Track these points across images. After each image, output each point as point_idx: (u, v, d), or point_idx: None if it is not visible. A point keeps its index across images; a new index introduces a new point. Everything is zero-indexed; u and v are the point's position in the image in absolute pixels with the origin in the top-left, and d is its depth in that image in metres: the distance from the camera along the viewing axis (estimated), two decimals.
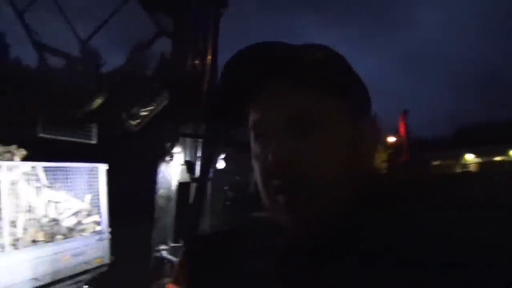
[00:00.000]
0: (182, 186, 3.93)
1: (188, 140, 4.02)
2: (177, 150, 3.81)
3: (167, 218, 3.93)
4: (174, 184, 3.89)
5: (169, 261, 3.81)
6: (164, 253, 3.82)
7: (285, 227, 0.63)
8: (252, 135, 0.67)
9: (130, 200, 14.90)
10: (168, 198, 3.87)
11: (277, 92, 0.63)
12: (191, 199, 3.72)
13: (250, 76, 0.65)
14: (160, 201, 3.92)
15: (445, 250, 0.53)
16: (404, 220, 0.61)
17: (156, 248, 3.83)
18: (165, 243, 3.85)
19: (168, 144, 3.73)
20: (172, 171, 3.85)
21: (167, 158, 3.75)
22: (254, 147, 0.67)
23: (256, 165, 0.66)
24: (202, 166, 3.61)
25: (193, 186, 3.68)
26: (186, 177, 3.97)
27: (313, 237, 0.62)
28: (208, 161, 3.11)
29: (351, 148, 0.63)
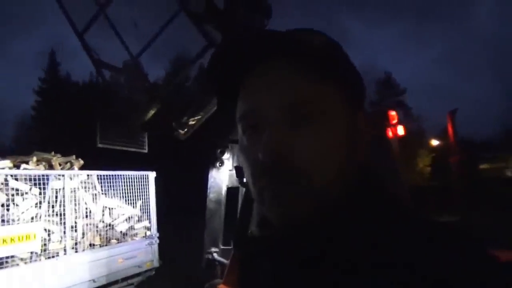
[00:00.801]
0: (231, 190, 4.07)
1: (235, 146, 4.16)
2: (226, 156, 3.97)
3: (217, 221, 4.07)
4: (224, 189, 4.03)
5: (220, 263, 3.94)
6: (215, 255, 3.95)
7: (275, 225, 0.58)
8: (240, 127, 0.62)
9: (181, 204, 15.41)
10: (218, 202, 4.02)
11: (272, 78, 0.58)
12: (240, 203, 3.84)
13: (242, 59, 0.60)
14: (210, 205, 4.08)
15: (436, 251, 0.49)
16: (395, 219, 0.55)
17: (208, 250, 3.97)
18: (216, 245, 3.99)
19: (218, 151, 3.89)
20: (222, 177, 4.00)
21: (217, 164, 3.90)
22: (242, 140, 0.61)
23: (244, 160, 0.61)
24: None
25: (242, 190, 3.80)
26: (234, 182, 4.11)
27: (302, 234, 0.56)
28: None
29: (349, 141, 0.59)
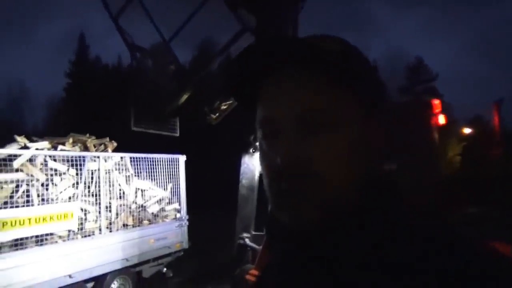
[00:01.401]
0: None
1: None
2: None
3: (249, 207, 4.08)
4: (256, 175, 4.02)
5: (252, 248, 3.96)
6: (247, 241, 3.98)
7: (291, 230, 0.59)
8: (259, 133, 0.63)
9: (211, 189, 15.68)
10: (250, 188, 4.02)
11: (288, 86, 0.58)
12: None
13: (258, 68, 0.61)
14: (242, 191, 4.09)
15: (440, 259, 0.49)
16: (413, 228, 0.55)
17: (240, 235, 4.00)
18: (247, 231, 4.01)
19: (252, 137, 3.87)
20: (255, 163, 3.99)
21: (251, 150, 3.89)
22: (262, 146, 0.63)
23: (263, 165, 0.62)
24: None
25: None
26: None
27: (316, 241, 0.58)
28: None
29: (363, 149, 0.59)
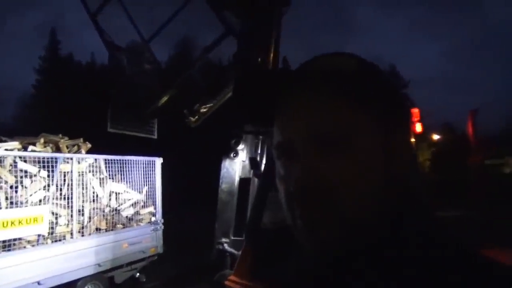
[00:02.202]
0: (244, 181, 4.02)
1: (250, 137, 4.10)
2: (240, 147, 3.91)
3: (229, 212, 4.04)
4: (236, 179, 3.98)
5: (231, 254, 3.91)
6: (226, 246, 3.93)
7: (307, 248, 0.58)
8: (275, 153, 0.62)
9: (189, 192, 15.45)
10: (230, 192, 3.98)
11: (305, 106, 0.57)
12: (252, 195, 3.80)
13: (274, 88, 0.60)
14: (222, 196, 4.04)
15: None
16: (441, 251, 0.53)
17: (218, 240, 3.95)
18: (227, 236, 3.96)
19: (233, 141, 3.83)
20: (235, 167, 3.95)
21: (232, 155, 3.85)
22: (278, 165, 0.61)
23: (280, 186, 0.60)
24: (266, 162, 3.68)
25: (255, 181, 3.76)
26: (247, 173, 4.06)
27: (337, 265, 0.57)
28: (272, 157, 3.18)
29: (386, 166, 0.56)
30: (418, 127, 3.64)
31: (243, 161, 4.19)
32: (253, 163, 3.75)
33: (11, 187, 4.75)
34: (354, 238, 0.55)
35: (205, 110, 4.95)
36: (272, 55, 3.96)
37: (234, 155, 3.96)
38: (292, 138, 0.57)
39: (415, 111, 3.36)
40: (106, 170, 6.16)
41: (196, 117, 4.91)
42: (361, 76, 0.58)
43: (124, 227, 6.27)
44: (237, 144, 3.91)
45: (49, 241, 5.06)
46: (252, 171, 3.95)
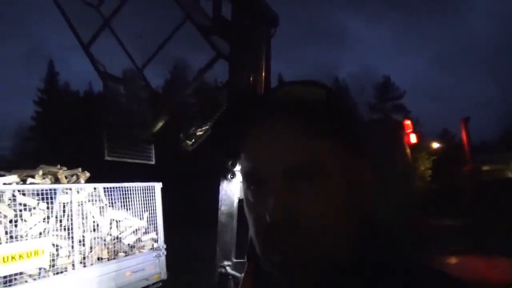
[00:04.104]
0: (243, 202, 3.98)
1: None
2: (238, 168, 3.91)
3: (229, 234, 4.00)
4: (235, 201, 3.97)
5: (233, 276, 3.86)
6: (228, 269, 3.88)
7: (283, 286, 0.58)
8: (244, 183, 0.61)
9: (189, 216, 15.36)
10: (229, 214, 3.96)
11: (272, 137, 0.56)
12: None
13: (242, 119, 0.60)
14: (222, 218, 4.02)
15: None
16: (412, 274, 0.54)
17: (220, 264, 3.90)
18: (228, 259, 3.92)
19: (230, 163, 3.84)
20: (233, 189, 3.94)
21: (229, 176, 3.85)
22: (247, 195, 0.61)
23: (249, 216, 0.60)
24: None
25: None
26: None
27: None
28: None
29: (354, 195, 0.57)
30: (413, 138, 3.66)
31: (240, 182, 4.15)
32: None
33: (10, 221, 4.73)
34: (324, 273, 0.55)
35: (201, 133, 4.97)
36: (263, 75, 4.01)
37: (232, 176, 3.95)
38: (261, 167, 0.56)
39: (407, 122, 3.40)
40: (106, 198, 6.14)
41: (193, 140, 4.93)
42: (329, 107, 0.57)
43: (126, 255, 6.20)
44: (234, 165, 3.90)
45: (50, 273, 5.00)
46: None
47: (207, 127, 5.06)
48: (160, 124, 4.41)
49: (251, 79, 3.90)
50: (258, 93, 0.58)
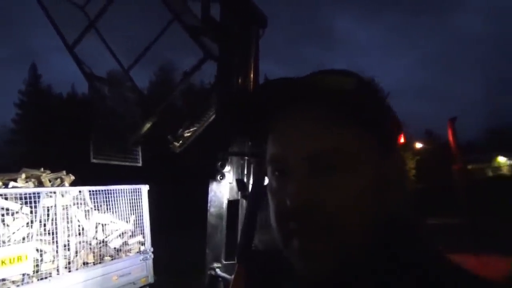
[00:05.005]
0: (232, 204, 3.99)
1: (235, 159, 4.09)
2: (227, 169, 3.90)
3: (219, 236, 3.98)
4: (225, 202, 3.95)
5: (223, 278, 3.84)
6: (218, 271, 3.85)
7: (300, 273, 0.56)
8: (269, 168, 0.60)
9: (177, 218, 15.23)
10: (219, 216, 3.94)
11: (300, 124, 0.56)
12: (241, 217, 3.77)
13: (270, 104, 0.59)
14: (211, 220, 3.99)
15: None
16: (433, 268, 0.54)
17: (210, 266, 3.88)
18: (218, 261, 3.89)
19: (219, 164, 3.82)
20: (223, 190, 3.92)
21: (218, 178, 3.83)
22: (271, 181, 0.60)
23: (271, 202, 0.59)
24: (253, 183, 3.68)
25: (243, 203, 3.74)
26: (235, 195, 4.03)
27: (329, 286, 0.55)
28: (259, 178, 3.19)
29: (379, 190, 0.56)
30: (401, 138, 3.73)
31: (230, 183, 4.16)
32: (240, 184, 3.73)
33: None
34: (346, 263, 0.54)
35: (189, 134, 4.94)
36: (252, 76, 4.01)
37: (221, 177, 3.93)
38: (287, 154, 0.56)
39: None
40: (91, 202, 6.03)
41: (180, 141, 4.89)
42: (359, 95, 0.56)
43: (112, 259, 6.09)
44: (223, 166, 3.89)
45: (34, 279, 4.88)
46: (239, 192, 3.93)
47: (195, 128, 5.03)
48: (148, 125, 4.35)
49: (240, 80, 3.90)
50: (286, 78, 0.58)
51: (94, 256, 5.79)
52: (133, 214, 6.67)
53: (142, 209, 6.82)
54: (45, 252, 5.09)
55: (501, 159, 22.53)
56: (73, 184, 6.15)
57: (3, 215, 4.71)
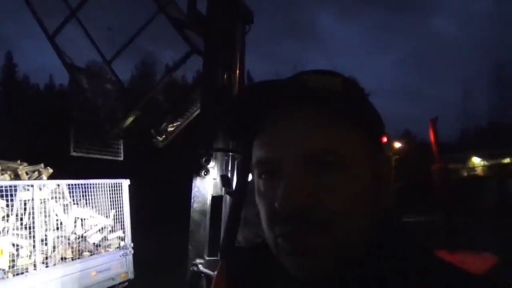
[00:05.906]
0: (216, 200, 3.97)
1: (219, 154, 4.07)
2: (211, 165, 3.88)
3: (202, 231, 3.96)
4: (208, 198, 3.93)
5: (206, 274, 3.82)
6: (201, 267, 3.84)
7: (294, 273, 0.56)
8: (255, 171, 0.59)
9: (158, 213, 15.05)
10: (202, 212, 3.91)
11: (291, 123, 0.56)
12: (224, 213, 3.76)
13: (260, 104, 0.58)
14: (194, 215, 3.97)
15: None
16: (429, 264, 0.55)
17: (193, 262, 3.85)
18: (201, 257, 3.88)
19: (203, 159, 3.79)
20: (207, 186, 3.90)
21: (202, 173, 3.81)
22: (258, 185, 0.59)
23: (260, 205, 0.58)
24: (238, 179, 3.66)
25: (227, 199, 3.73)
26: (219, 191, 4.01)
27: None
28: (244, 174, 3.17)
29: (373, 187, 0.56)
30: (384, 138, 3.78)
31: (214, 179, 4.13)
32: (225, 180, 3.70)
33: None
34: (344, 263, 0.54)
35: (172, 129, 4.88)
36: (238, 72, 3.99)
37: (205, 173, 3.90)
38: (278, 155, 0.55)
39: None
40: (70, 196, 5.90)
41: (163, 136, 4.83)
42: (347, 94, 0.56)
43: (91, 255, 5.99)
44: (208, 162, 3.86)
45: (10, 275, 4.75)
46: (223, 188, 3.90)
47: (178, 123, 4.97)
48: (130, 119, 4.27)
49: (225, 75, 3.87)
50: (273, 80, 0.56)
51: (72, 252, 5.68)
52: (113, 209, 6.57)
53: (122, 204, 6.72)
54: (21, 247, 4.96)
55: (476, 160, 23.10)
56: (51, 177, 6.00)
57: None
